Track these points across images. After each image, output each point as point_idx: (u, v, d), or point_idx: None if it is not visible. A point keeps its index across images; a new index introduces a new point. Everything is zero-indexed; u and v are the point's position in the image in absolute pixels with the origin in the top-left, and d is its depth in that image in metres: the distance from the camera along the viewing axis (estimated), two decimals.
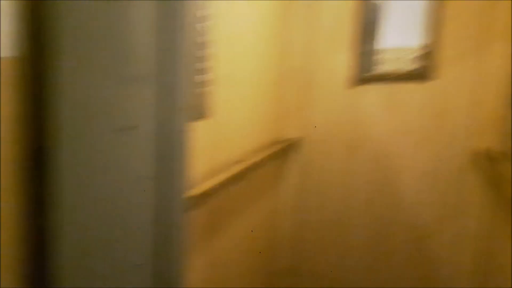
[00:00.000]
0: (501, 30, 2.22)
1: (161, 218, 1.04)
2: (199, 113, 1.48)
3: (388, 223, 2.61)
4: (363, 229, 2.66)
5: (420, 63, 2.42)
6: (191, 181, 1.45)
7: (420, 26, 2.38)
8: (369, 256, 2.67)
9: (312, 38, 2.56)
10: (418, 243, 2.57)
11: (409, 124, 2.47)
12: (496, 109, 2.29)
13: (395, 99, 2.48)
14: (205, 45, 1.47)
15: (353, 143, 2.59)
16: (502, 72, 2.25)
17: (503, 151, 2.15)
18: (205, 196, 1.46)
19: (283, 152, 2.60)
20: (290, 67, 2.59)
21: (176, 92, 1.06)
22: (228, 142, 1.79)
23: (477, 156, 2.32)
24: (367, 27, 2.88)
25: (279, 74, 2.56)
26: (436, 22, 2.33)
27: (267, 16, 2.24)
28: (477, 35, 2.29)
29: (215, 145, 1.67)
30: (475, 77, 2.32)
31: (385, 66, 3.45)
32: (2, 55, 0.49)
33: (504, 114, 2.24)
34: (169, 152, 1.10)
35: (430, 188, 2.50)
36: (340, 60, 2.53)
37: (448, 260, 2.52)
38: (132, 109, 0.78)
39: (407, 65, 3.39)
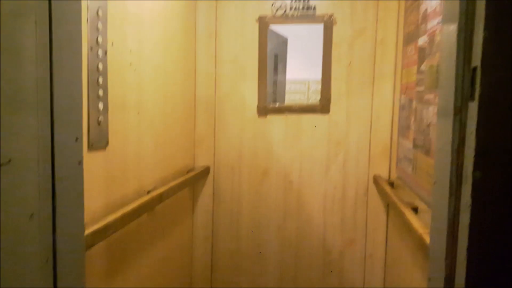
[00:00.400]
0: (389, 69, 2.46)
1: (57, 257, 0.95)
2: (98, 142, 1.40)
3: (299, 248, 2.69)
4: (275, 255, 2.70)
5: (320, 97, 2.58)
6: (89, 217, 1.37)
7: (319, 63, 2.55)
8: (281, 282, 2.71)
9: (222, 67, 2.60)
10: (328, 266, 2.67)
11: (315, 152, 2.60)
12: (387, 139, 2.51)
13: (301, 128, 2.60)
14: (103, 73, 1.41)
15: (264, 170, 2.65)
16: (391, 105, 2.48)
17: (397, 177, 2.35)
18: (107, 230, 1.37)
19: (196, 180, 2.56)
20: (202, 95, 2.60)
21: (66, 122, 0.99)
22: (133, 172, 1.71)
23: (376, 181, 2.50)
24: (275, 60, 3.01)
25: (191, 103, 2.55)
26: (327, 61, 2.52)
27: (176, 44, 2.23)
28: (367, 72, 2.51)
29: (119, 176, 1.59)
30: (367, 110, 2.53)
31: (291, 97, 3.63)
32: None
33: (393, 144, 2.46)
34: (59, 187, 1.02)
35: (337, 212, 2.63)
36: (250, 90, 2.60)
37: (358, 281, 2.65)
38: (10, 141, 0.71)
39: (309, 97, 3.60)
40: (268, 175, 2.66)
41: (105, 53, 1.41)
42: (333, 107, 2.57)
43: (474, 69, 0.81)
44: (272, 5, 2.51)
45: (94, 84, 1.36)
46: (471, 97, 0.82)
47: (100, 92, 1.39)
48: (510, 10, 0.76)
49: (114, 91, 1.51)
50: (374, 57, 2.49)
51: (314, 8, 2.49)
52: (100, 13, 1.36)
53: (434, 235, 0.96)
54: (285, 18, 2.52)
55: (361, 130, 2.57)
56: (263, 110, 2.61)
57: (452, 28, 0.87)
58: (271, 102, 2.65)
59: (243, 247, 2.71)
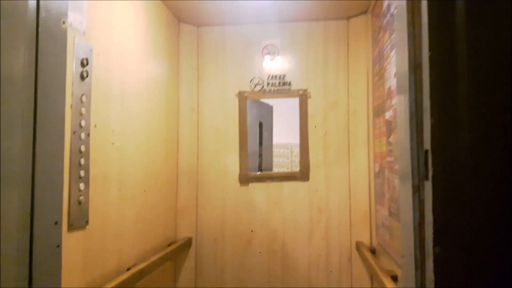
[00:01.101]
0: (362, 139, 2.59)
1: None
2: (78, 222, 1.42)
3: None
4: None
5: (299, 165, 2.67)
6: None
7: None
8: None
9: (205, 139, 2.69)
10: None
11: (297, 219, 2.63)
12: (366, 205, 2.57)
13: (282, 196, 2.65)
14: (85, 154, 1.46)
15: (247, 238, 2.65)
16: (367, 173, 2.58)
17: (378, 243, 2.37)
18: None
19: (177, 252, 2.54)
20: (185, 166, 2.66)
21: (47, 206, 1.03)
22: (113, 249, 1.71)
23: (359, 248, 2.51)
24: (259, 127, 3.13)
25: (174, 174, 2.60)
26: (304, 132, 2.65)
27: (159, 119, 2.33)
28: (343, 141, 2.63)
29: (98, 254, 1.58)
30: (345, 177, 2.62)
31: (275, 160, 3.71)
32: None
33: (372, 210, 2.52)
34: (36, 272, 1.03)
35: (322, 281, 2.60)
36: (231, 160, 2.67)
37: None
38: None
39: (292, 160, 3.69)
40: (251, 244, 2.65)
41: (88, 135, 1.48)
42: (312, 174, 2.64)
43: (426, 151, 0.89)
44: (251, 81, 2.67)
45: (76, 166, 1.40)
46: (426, 177, 0.89)
47: (82, 173, 1.43)
48: (453, 97, 0.86)
49: (96, 170, 1.56)
50: (348, 127, 2.63)
51: (290, 83, 2.66)
52: (84, 99, 1.44)
53: None
54: (263, 93, 2.67)
55: (341, 197, 2.63)
56: (244, 179, 2.66)
57: (405, 115, 0.97)
58: (253, 171, 2.72)
59: None
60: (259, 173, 2.75)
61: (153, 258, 2.04)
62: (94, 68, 1.53)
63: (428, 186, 0.89)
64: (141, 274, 1.84)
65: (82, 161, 1.43)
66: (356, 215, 2.61)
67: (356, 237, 2.60)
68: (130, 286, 1.76)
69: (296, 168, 2.69)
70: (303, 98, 2.64)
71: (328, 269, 2.61)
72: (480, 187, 0.84)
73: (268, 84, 2.66)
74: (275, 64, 2.68)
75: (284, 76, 2.66)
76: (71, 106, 1.38)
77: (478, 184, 0.84)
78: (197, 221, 2.67)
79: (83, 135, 1.44)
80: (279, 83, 2.66)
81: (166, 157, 2.44)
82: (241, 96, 2.67)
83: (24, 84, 0.90)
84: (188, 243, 2.61)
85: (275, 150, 3.84)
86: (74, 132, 1.39)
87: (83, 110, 1.44)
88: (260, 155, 4.13)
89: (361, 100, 2.60)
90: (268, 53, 2.68)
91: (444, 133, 0.86)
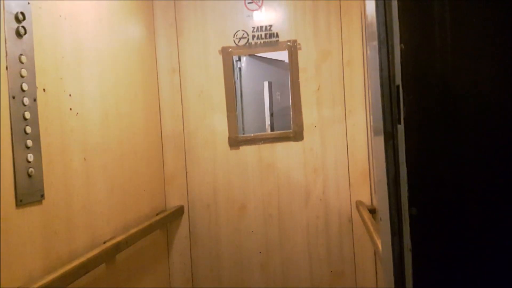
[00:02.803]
0: (359, 90, 2.38)
1: None
2: (30, 197, 1.29)
3: (285, 285, 2.51)
4: None
5: (292, 124, 2.48)
6: (24, 280, 1.23)
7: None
8: None
9: (189, 101, 2.51)
10: None
11: (292, 180, 2.48)
12: (365, 162, 2.39)
13: (276, 158, 2.48)
14: (32, 122, 1.31)
15: (241, 205, 2.52)
16: (365, 127, 2.38)
17: (376, 203, 2.21)
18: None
19: (167, 221, 2.43)
20: (169, 132, 2.50)
21: None
22: (82, 223, 1.59)
23: (358, 208, 2.36)
24: (269, 87, 2.93)
25: (157, 141, 2.45)
26: (296, 87, 2.44)
27: (134, 82, 2.15)
28: (338, 95, 2.42)
29: (63, 230, 1.46)
30: (342, 134, 2.43)
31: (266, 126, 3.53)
32: None
33: (370, 170, 2.34)
34: None
35: (322, 243, 2.47)
36: (219, 122, 2.50)
37: None
38: None
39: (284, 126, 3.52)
40: (246, 209, 2.52)
41: (34, 100, 1.31)
42: (306, 133, 2.46)
43: (398, 87, 0.70)
44: (234, 35, 2.44)
45: (20, 135, 1.25)
46: (399, 120, 0.71)
47: (29, 143, 1.28)
48: (426, 18, 0.66)
49: (50, 139, 1.41)
50: (343, 79, 2.41)
51: (277, 35, 2.43)
52: (23, 59, 1.27)
53: (385, 282, 0.83)
54: (249, 47, 2.45)
55: (338, 155, 2.45)
56: (234, 142, 2.50)
57: (373, 44, 0.77)
58: (244, 132, 2.55)
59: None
60: (249, 135, 2.57)
61: (133, 230, 1.93)
62: (36, 25, 1.35)
63: (401, 131, 0.70)
64: (117, 247, 1.73)
65: (28, 129, 1.28)
66: (355, 173, 2.44)
67: (356, 197, 2.44)
68: (104, 260, 1.65)
69: (288, 131, 2.50)
70: (293, 50, 2.42)
71: (327, 231, 2.48)
72: (463, 132, 0.65)
73: (253, 37, 2.44)
74: (260, 14, 2.44)
75: (270, 27, 2.43)
76: (6, 67, 1.21)
77: (461, 128, 0.65)
78: (188, 189, 2.54)
79: (26, 100, 1.28)
80: (266, 35, 2.43)
81: (146, 123, 2.28)
82: (225, 52, 2.45)
83: None
84: (179, 211, 2.49)
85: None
86: (14, 97, 1.23)
87: (24, 72, 1.27)
88: (272, 116, 3.95)
89: (356, 47, 2.36)
90: (251, 2, 2.43)
91: (418, 62, 0.67)
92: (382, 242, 0.84)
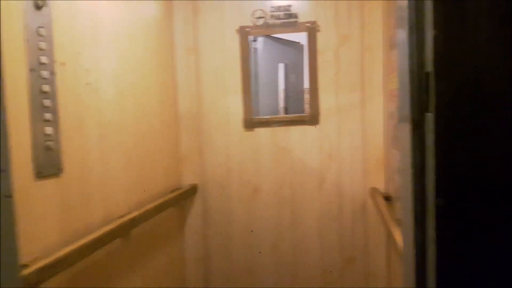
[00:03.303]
0: (378, 76, 2.33)
1: None
2: (48, 170, 1.30)
3: (296, 267, 2.53)
4: (271, 274, 2.55)
5: (308, 107, 2.45)
6: (40, 251, 1.25)
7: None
8: None
9: (204, 81, 2.49)
10: (328, 286, 2.51)
11: (306, 165, 2.46)
12: (381, 149, 2.36)
13: (290, 141, 2.46)
14: (51, 95, 1.31)
15: (254, 186, 2.52)
16: (382, 114, 2.34)
17: (394, 189, 2.19)
18: (57, 265, 1.26)
19: (181, 199, 2.44)
20: (185, 111, 2.49)
21: None
22: (98, 198, 1.60)
23: (373, 195, 2.34)
24: (285, 69, 2.89)
25: (173, 120, 2.44)
26: (314, 71, 2.40)
27: (151, 60, 2.14)
28: (356, 80, 2.38)
29: (79, 204, 1.48)
30: (358, 120, 2.39)
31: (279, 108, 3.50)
32: None
33: (386, 157, 2.31)
34: None
35: (334, 228, 2.47)
36: (234, 103, 2.48)
37: None
38: None
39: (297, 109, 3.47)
40: (258, 191, 2.52)
41: (52, 73, 1.31)
42: (322, 117, 2.43)
43: (427, 74, 0.67)
44: (252, 14, 2.40)
45: (39, 108, 1.25)
46: (427, 109, 0.68)
47: (48, 116, 1.29)
48: (460, 7, 0.63)
49: (68, 113, 1.41)
50: (361, 64, 2.36)
51: (296, 15, 2.37)
52: (42, 32, 1.26)
53: (405, 275, 0.81)
54: (266, 28, 2.41)
55: (354, 141, 2.42)
56: (249, 123, 2.48)
57: (403, 29, 0.74)
58: (259, 114, 2.53)
59: (237, 267, 2.57)
60: (265, 117, 2.55)
61: (149, 206, 1.94)
62: None
63: (429, 119, 0.68)
64: (132, 222, 1.74)
65: (47, 102, 1.28)
66: (370, 160, 2.41)
67: (371, 183, 2.42)
68: (119, 235, 1.68)
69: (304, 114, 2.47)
70: (312, 31, 2.37)
71: (340, 216, 2.47)
72: (495, 124, 0.62)
73: (271, 17, 2.39)
74: None
75: (289, 6, 2.38)
76: (25, 39, 1.20)
77: (493, 120, 0.63)
78: (202, 168, 2.54)
79: (45, 74, 1.27)
80: (285, 15, 2.38)
81: (162, 102, 2.27)
82: (243, 32, 2.41)
83: None
84: (192, 190, 2.51)
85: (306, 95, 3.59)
86: (33, 70, 1.23)
87: (43, 45, 1.27)
88: (288, 98, 3.90)
89: (376, 32, 2.30)
90: None
91: (451, 50, 0.64)
92: (403, 232, 0.83)
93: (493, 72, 0.63)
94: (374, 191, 2.31)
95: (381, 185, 2.38)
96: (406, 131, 0.75)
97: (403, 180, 0.79)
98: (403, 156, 0.80)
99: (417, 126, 0.72)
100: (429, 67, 0.66)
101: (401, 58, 0.77)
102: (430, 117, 0.67)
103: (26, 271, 1.15)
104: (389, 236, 2.33)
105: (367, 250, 2.45)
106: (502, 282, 0.61)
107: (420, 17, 0.70)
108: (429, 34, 0.65)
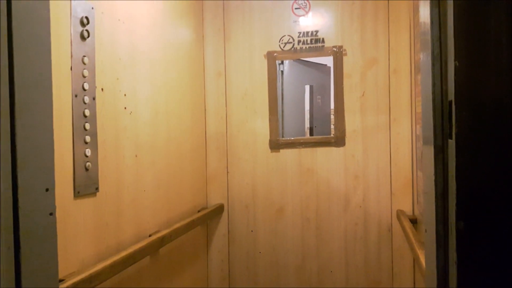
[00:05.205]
0: (405, 99, 2.35)
1: None
2: (86, 189, 1.38)
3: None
4: None
5: (334, 129, 2.48)
6: (76, 266, 1.32)
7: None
8: None
9: (233, 104, 2.57)
10: None
11: (332, 186, 2.48)
12: (408, 171, 2.35)
13: (316, 162, 2.49)
14: (91, 119, 1.40)
15: (279, 206, 2.55)
16: (409, 136, 2.35)
17: (420, 212, 2.17)
18: (93, 280, 1.32)
19: (208, 218, 2.50)
20: (213, 133, 2.57)
21: (33, 172, 0.96)
22: (130, 216, 1.67)
23: (399, 217, 2.32)
24: (310, 91, 2.95)
25: (202, 141, 2.52)
26: (340, 93, 2.44)
27: (183, 84, 2.23)
28: (383, 103, 2.40)
29: (113, 222, 1.55)
30: (385, 142, 2.40)
31: (305, 129, 3.54)
32: None
33: (414, 177, 2.30)
34: (24, 240, 0.98)
35: (359, 251, 2.46)
36: (261, 125, 2.54)
37: None
38: None
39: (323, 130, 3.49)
40: (283, 212, 2.54)
41: (93, 99, 1.41)
42: (348, 139, 2.45)
43: (450, 103, 0.71)
44: (280, 40, 2.48)
45: (80, 131, 1.35)
46: (450, 135, 0.71)
47: (88, 138, 1.38)
48: (482, 37, 0.67)
49: (106, 136, 1.50)
50: (388, 87, 2.38)
51: (323, 40, 2.44)
52: (86, 60, 1.36)
53: None
54: (294, 52, 2.48)
55: (381, 163, 2.43)
56: (275, 145, 2.53)
57: (427, 58, 0.78)
58: (285, 136, 2.58)
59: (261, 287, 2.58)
60: (291, 138, 2.60)
61: (177, 225, 2.00)
62: (98, 28, 1.44)
63: (452, 146, 0.71)
64: (162, 240, 1.80)
65: (87, 126, 1.37)
66: (397, 182, 2.40)
67: (397, 206, 2.40)
68: (149, 253, 1.73)
69: (329, 136, 2.51)
70: (338, 55, 2.42)
71: (366, 238, 2.46)
72: None
73: (299, 42, 2.46)
74: (307, 20, 2.46)
75: (316, 32, 2.45)
76: (71, 67, 1.30)
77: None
78: (228, 188, 2.60)
79: (87, 99, 1.37)
80: (312, 40, 2.45)
81: (192, 124, 2.36)
82: (270, 57, 2.49)
83: None
84: (219, 209, 2.56)
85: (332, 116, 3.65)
86: (76, 96, 1.32)
87: (86, 72, 1.37)
88: (312, 119, 3.94)
89: (403, 55, 2.33)
90: (299, 8, 2.46)
91: (472, 80, 0.67)
92: (426, 254, 0.85)
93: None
94: (400, 213, 2.30)
95: (408, 208, 2.36)
96: (429, 155, 0.78)
97: (426, 202, 0.82)
98: (426, 179, 0.83)
99: (440, 151, 0.75)
100: (451, 96, 0.69)
101: (424, 85, 0.80)
102: (452, 144, 0.70)
103: (62, 286, 1.21)
104: (416, 259, 2.30)
105: (393, 273, 2.41)
106: None
107: (443, 47, 0.74)
108: (451, 64, 0.69)
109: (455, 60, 0.68)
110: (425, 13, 0.80)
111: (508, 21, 0.65)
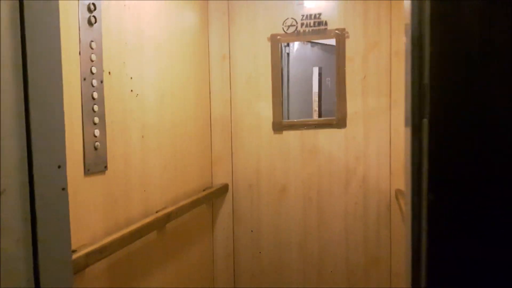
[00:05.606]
0: (404, 92, 2.38)
1: (44, 282, 1.00)
2: (95, 167, 1.47)
3: (322, 266, 2.62)
4: (298, 273, 2.65)
5: (336, 111, 2.53)
6: (88, 238, 1.43)
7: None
8: None
9: (237, 87, 2.63)
10: (353, 285, 2.58)
11: (333, 166, 2.55)
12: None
13: (318, 143, 2.56)
14: (99, 101, 1.48)
15: (282, 187, 2.63)
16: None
17: None
18: (103, 251, 1.42)
19: (213, 197, 2.59)
20: (218, 115, 2.64)
21: (47, 150, 1.05)
22: (137, 194, 1.77)
23: (398, 197, 2.39)
24: (319, 72, 2.98)
25: (207, 123, 2.60)
26: (342, 76, 2.48)
27: (188, 67, 2.30)
28: (384, 85, 2.44)
29: (121, 198, 1.64)
30: (386, 123, 2.46)
31: (313, 111, 3.57)
32: None
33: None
34: (40, 213, 1.07)
35: (359, 229, 2.54)
36: (265, 108, 2.60)
37: None
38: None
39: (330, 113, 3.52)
40: (286, 192, 2.63)
41: (101, 82, 1.48)
42: (349, 121, 2.51)
43: (425, 86, 0.77)
44: (283, 23, 2.52)
45: (89, 112, 1.43)
46: (425, 116, 0.78)
47: (96, 119, 1.46)
48: (457, 25, 0.72)
49: (113, 117, 1.58)
50: (390, 69, 2.42)
51: (326, 23, 2.47)
52: (93, 45, 1.43)
53: (406, 261, 0.91)
54: (297, 35, 2.52)
55: (381, 144, 2.48)
56: (278, 126, 2.60)
57: (409, 41, 0.84)
58: (288, 118, 2.64)
59: (265, 264, 2.69)
60: (294, 120, 2.66)
61: (183, 202, 2.10)
62: (104, 14, 1.51)
63: (425, 125, 0.77)
64: (168, 216, 1.90)
65: (96, 107, 1.45)
66: (396, 163, 2.47)
67: (396, 186, 2.47)
68: (156, 228, 1.83)
69: (331, 118, 2.57)
70: (341, 38, 2.46)
71: (365, 217, 2.54)
72: (484, 129, 0.71)
73: (302, 24, 2.50)
74: (310, 2, 2.49)
75: (319, 15, 2.48)
76: (79, 52, 1.38)
77: (482, 126, 0.71)
78: (233, 169, 2.68)
79: (95, 82, 1.45)
80: (314, 23, 2.48)
81: (197, 107, 2.43)
82: (274, 40, 2.54)
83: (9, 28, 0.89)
84: (224, 189, 2.65)
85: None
86: (85, 79, 1.40)
87: (93, 57, 1.44)
88: (321, 102, 3.97)
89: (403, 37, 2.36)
90: None
91: (445, 65, 0.73)
92: (405, 225, 0.92)
93: (484, 85, 0.72)
94: (399, 192, 2.36)
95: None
96: (408, 134, 0.85)
97: (406, 178, 0.89)
98: (406, 156, 0.90)
99: (417, 131, 0.82)
100: (426, 79, 0.75)
101: (406, 68, 0.86)
102: (425, 123, 0.76)
103: (75, 255, 1.32)
104: None
105: (391, 250, 2.50)
106: (487, 266, 0.70)
107: (422, 33, 0.80)
108: (427, 50, 0.75)
109: (430, 46, 0.74)
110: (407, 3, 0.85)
111: (480, 6, 0.71)
